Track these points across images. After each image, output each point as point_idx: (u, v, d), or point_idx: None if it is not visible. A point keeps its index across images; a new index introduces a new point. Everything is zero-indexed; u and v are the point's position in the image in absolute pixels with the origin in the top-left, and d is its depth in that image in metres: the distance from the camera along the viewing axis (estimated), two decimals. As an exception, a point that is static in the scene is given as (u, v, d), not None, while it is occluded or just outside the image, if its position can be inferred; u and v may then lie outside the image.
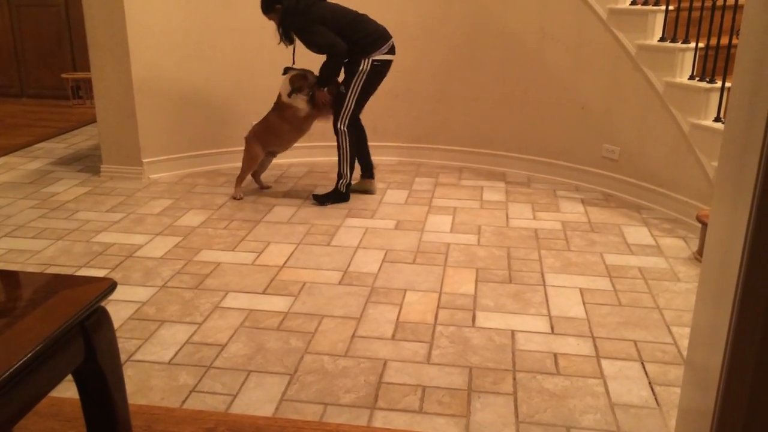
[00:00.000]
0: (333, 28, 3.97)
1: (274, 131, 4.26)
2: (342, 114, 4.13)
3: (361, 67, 4.02)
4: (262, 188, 4.53)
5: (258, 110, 5.04)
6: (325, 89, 4.14)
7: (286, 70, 4.22)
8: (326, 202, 4.23)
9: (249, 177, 4.42)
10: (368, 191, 4.43)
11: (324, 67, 4.08)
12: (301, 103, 4.18)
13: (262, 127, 4.28)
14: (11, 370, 1.31)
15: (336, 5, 4.11)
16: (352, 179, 4.29)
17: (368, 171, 4.43)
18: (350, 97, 4.09)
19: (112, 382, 1.64)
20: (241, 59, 4.90)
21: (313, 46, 4.04)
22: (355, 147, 4.24)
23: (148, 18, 4.54)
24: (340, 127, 4.15)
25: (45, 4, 7.35)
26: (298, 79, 4.15)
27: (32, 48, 7.48)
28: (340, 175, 4.24)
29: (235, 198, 4.31)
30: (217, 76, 4.87)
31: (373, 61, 4.03)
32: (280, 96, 4.23)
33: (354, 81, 4.06)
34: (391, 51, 4.13)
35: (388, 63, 4.14)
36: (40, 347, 1.38)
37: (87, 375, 1.60)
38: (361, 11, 4.14)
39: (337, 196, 4.25)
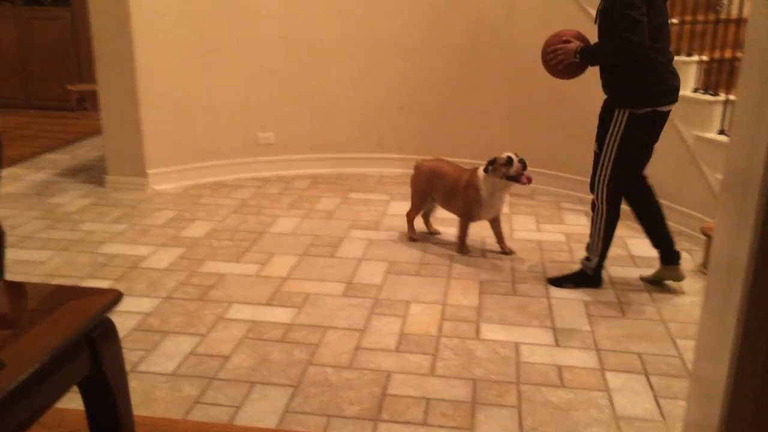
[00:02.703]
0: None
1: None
2: (598, 178, 3.15)
3: (614, 121, 3.06)
4: (432, 233, 4.06)
5: (264, 122, 5.07)
6: (577, 55, 3.04)
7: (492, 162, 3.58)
8: (564, 284, 3.33)
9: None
10: (674, 279, 3.33)
11: (603, 44, 3.02)
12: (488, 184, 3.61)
13: (471, 199, 3.68)
14: (18, 381, 1.31)
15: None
16: (605, 261, 3.31)
17: (667, 254, 3.30)
18: (605, 157, 3.09)
19: (118, 393, 1.64)
20: (246, 71, 4.92)
21: (621, 20, 2.85)
22: (613, 225, 3.21)
23: (154, 30, 4.57)
24: (597, 194, 3.18)
25: (51, 16, 7.41)
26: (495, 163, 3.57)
27: (38, 60, 7.52)
28: (587, 257, 3.32)
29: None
30: (222, 88, 4.90)
31: (631, 113, 3.01)
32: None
33: (609, 137, 3.08)
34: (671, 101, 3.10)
35: (659, 114, 3.07)
36: (46, 358, 1.38)
37: (93, 386, 1.60)
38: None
39: (581, 279, 3.33)
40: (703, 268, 3.45)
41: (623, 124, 3.03)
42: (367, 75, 5.10)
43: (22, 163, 5.50)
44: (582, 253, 3.64)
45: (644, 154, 3.21)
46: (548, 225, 4.14)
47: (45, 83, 7.56)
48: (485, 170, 3.58)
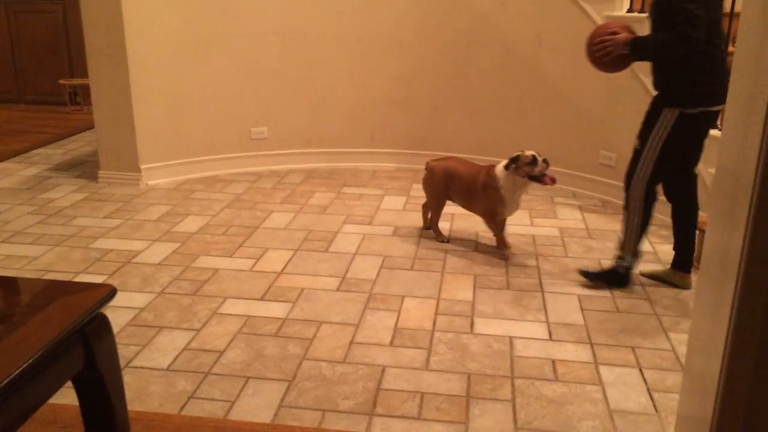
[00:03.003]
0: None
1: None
2: (635, 175, 3.06)
3: (662, 119, 2.95)
4: (427, 227, 3.97)
5: (257, 117, 5.06)
6: (627, 47, 2.89)
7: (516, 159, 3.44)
8: (596, 281, 3.27)
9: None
10: (678, 286, 3.26)
11: (657, 36, 2.89)
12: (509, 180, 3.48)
13: (494, 201, 3.57)
14: (11, 377, 1.31)
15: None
16: (636, 261, 3.24)
17: (682, 259, 3.27)
18: (646, 155, 3.00)
19: (112, 388, 1.64)
20: (239, 66, 4.91)
21: (679, 14, 2.74)
22: (646, 224, 3.15)
23: (146, 24, 4.55)
24: (633, 192, 3.09)
25: (43, 10, 7.37)
26: (518, 161, 3.43)
27: (30, 54, 7.49)
28: (620, 255, 3.23)
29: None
30: (215, 82, 4.88)
31: (682, 113, 2.91)
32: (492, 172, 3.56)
33: (652, 135, 2.97)
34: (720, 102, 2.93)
35: (710, 114, 2.95)
36: (40, 354, 1.38)
37: (87, 381, 1.60)
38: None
39: (612, 277, 3.24)
40: (696, 262, 3.46)
41: (672, 123, 2.92)
42: (361, 70, 5.09)
43: (15, 158, 5.48)
44: (575, 248, 3.65)
45: (694, 152, 3.11)
46: (542, 219, 4.15)
47: (37, 78, 7.53)
48: (506, 168, 3.47)
